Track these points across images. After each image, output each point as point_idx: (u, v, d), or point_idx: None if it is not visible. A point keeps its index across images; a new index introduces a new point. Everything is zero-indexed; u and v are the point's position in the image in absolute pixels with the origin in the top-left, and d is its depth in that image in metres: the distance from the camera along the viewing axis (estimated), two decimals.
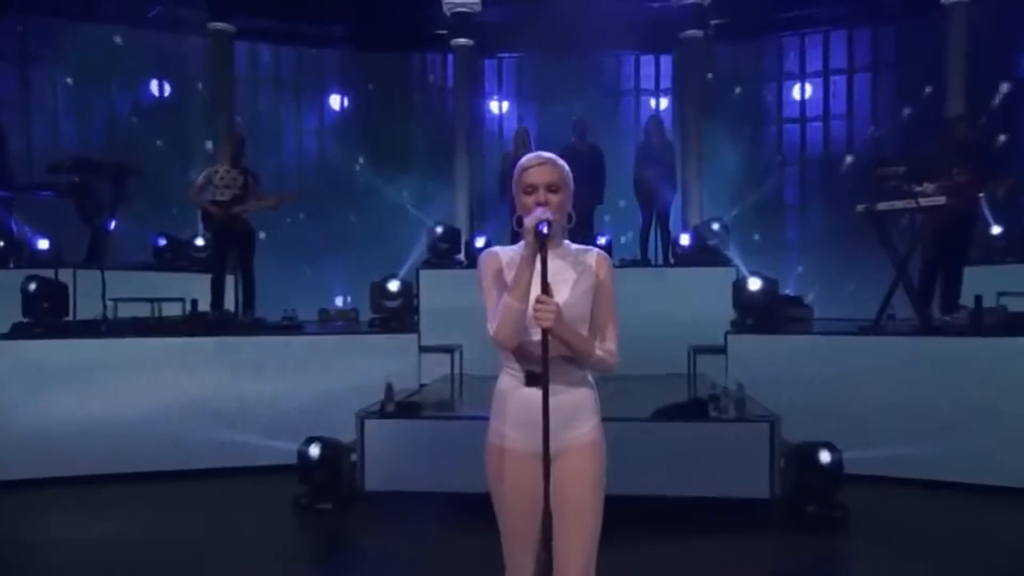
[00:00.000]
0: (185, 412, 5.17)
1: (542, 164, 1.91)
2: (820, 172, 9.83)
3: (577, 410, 1.93)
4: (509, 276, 1.88)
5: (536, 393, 1.81)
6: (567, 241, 2.01)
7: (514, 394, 1.93)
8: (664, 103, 10.45)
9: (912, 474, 4.70)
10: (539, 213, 1.79)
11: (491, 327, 1.85)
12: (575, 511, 1.88)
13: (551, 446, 1.78)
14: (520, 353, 1.90)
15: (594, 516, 1.90)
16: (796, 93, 10.11)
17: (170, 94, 9.71)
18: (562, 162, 1.95)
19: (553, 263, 1.86)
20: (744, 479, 4.04)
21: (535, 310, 1.75)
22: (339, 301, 9.80)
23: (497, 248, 2.00)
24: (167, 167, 8.46)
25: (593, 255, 1.97)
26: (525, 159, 1.95)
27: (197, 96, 9.60)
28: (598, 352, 1.89)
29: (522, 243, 1.84)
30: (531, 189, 1.89)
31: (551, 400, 1.76)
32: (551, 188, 1.89)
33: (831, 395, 4.95)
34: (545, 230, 1.74)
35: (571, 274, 1.92)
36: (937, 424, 4.69)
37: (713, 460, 4.07)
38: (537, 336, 1.80)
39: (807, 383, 5.05)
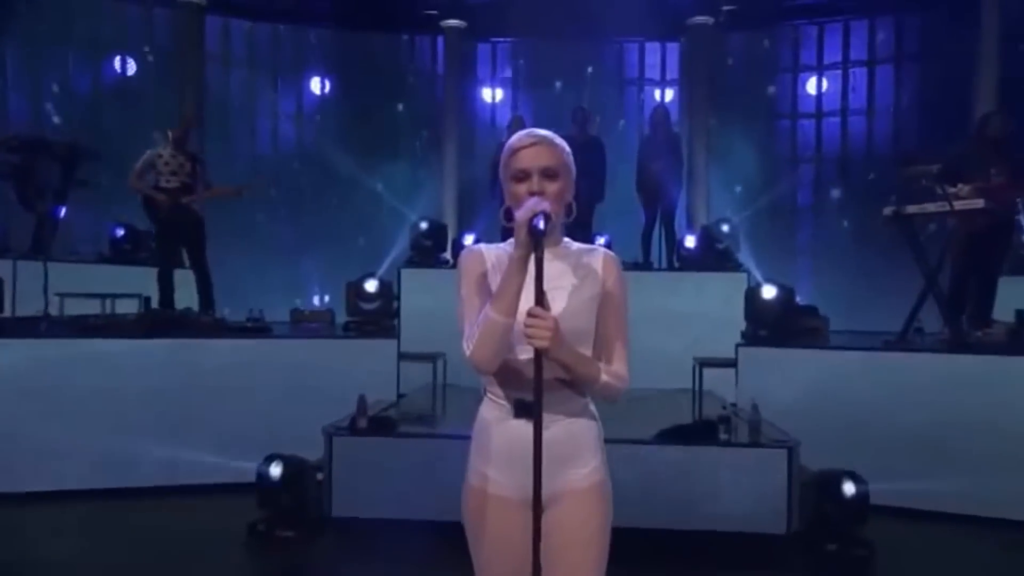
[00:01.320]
0: (131, 423, 4.90)
1: (536, 144, 1.63)
2: (837, 171, 9.68)
3: (577, 446, 1.66)
4: (495, 282, 1.61)
5: (526, 427, 1.54)
6: (567, 239, 1.73)
7: (499, 427, 1.65)
8: (670, 95, 10.27)
9: (945, 507, 4.48)
10: (533, 204, 1.51)
11: (467, 345, 1.57)
12: (572, 568, 1.61)
13: (545, 490, 1.52)
14: (506, 377, 1.62)
15: (596, 574, 1.64)
16: (812, 86, 9.96)
17: (135, 72, 9.41)
18: (561, 141, 1.67)
19: (550, 266, 1.58)
20: (758, 512, 3.84)
21: (526, 325, 1.47)
22: (316, 300, 9.61)
23: (482, 246, 1.71)
24: (128, 151, 8.07)
25: (599, 256, 1.69)
26: (515, 138, 1.67)
27: (164, 74, 9.31)
28: (603, 377, 1.61)
29: (511, 241, 1.56)
30: (523, 175, 1.62)
31: (545, 435, 1.49)
32: (547, 174, 1.61)
33: (853, 417, 4.75)
34: (541, 225, 1.46)
35: (571, 280, 1.65)
36: (972, 452, 4.48)
37: (723, 490, 3.87)
38: (527, 355, 1.52)
39: (826, 403, 4.85)
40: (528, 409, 1.57)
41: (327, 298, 9.41)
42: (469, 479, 1.71)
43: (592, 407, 1.71)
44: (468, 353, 1.57)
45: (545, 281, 1.48)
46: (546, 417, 1.51)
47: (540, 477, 1.48)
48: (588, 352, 1.64)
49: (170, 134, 6.09)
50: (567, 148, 1.67)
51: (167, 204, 5.90)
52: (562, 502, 1.64)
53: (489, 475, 1.66)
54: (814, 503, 3.88)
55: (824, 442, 4.35)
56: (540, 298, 1.47)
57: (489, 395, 1.69)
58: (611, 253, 1.71)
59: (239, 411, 5.00)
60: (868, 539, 3.86)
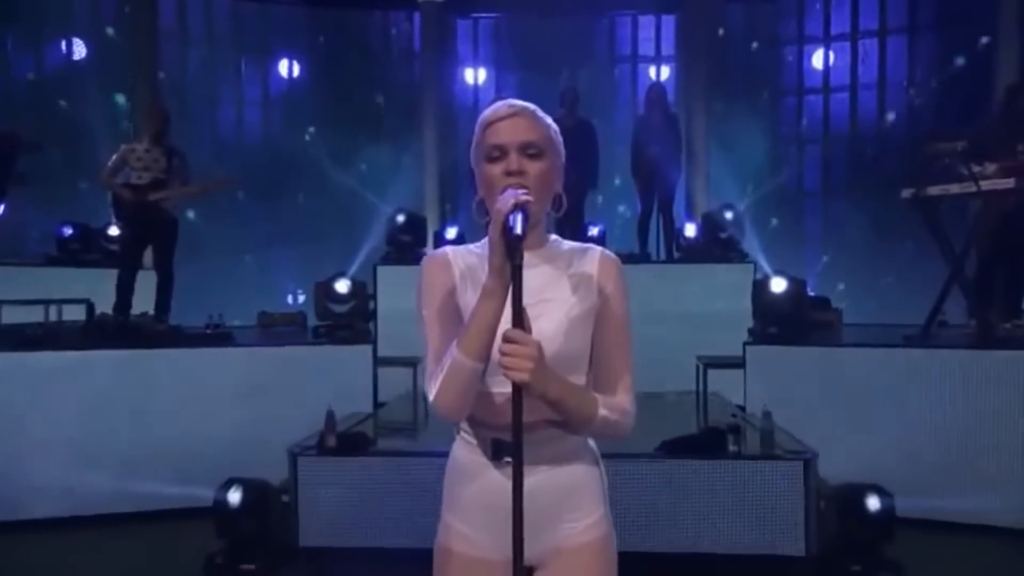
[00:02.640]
0: (74, 445, 4.71)
1: (515, 115, 1.39)
2: (846, 151, 9.55)
3: (571, 496, 1.43)
4: (466, 297, 1.38)
5: (506, 474, 1.32)
6: (555, 237, 1.49)
7: (473, 474, 1.42)
8: (666, 72, 10.10)
9: (979, 520, 4.33)
10: (510, 196, 1.26)
11: (430, 388, 1.34)
12: None
13: (532, 551, 1.31)
14: (479, 411, 1.38)
15: None
16: (819, 59, 9.78)
17: (83, 54, 9.09)
18: (544, 115, 1.43)
19: (533, 273, 1.35)
20: (773, 532, 3.65)
21: (502, 353, 1.23)
22: (290, 299, 9.41)
23: (448, 250, 1.46)
24: (76, 142, 7.91)
25: (594, 258, 1.45)
26: (489, 109, 1.43)
27: (114, 56, 9.02)
28: (602, 412, 1.37)
29: (486, 241, 1.33)
30: (498, 152, 1.38)
31: (530, 484, 1.27)
32: (529, 151, 1.38)
33: (873, 422, 4.61)
34: (518, 228, 1.21)
35: (560, 290, 1.41)
36: (1008, 456, 4.33)
37: (733, 508, 3.68)
38: (505, 387, 1.28)
39: (843, 406, 4.71)
40: (507, 452, 1.34)
41: (301, 298, 9.20)
42: (440, 536, 1.48)
43: (591, 445, 1.48)
44: (431, 398, 1.33)
45: (527, 294, 1.25)
46: (531, 462, 1.28)
47: (521, 537, 1.25)
48: (581, 380, 1.40)
49: (146, 127, 5.88)
50: (554, 125, 1.44)
51: (133, 201, 5.65)
52: (555, 564, 1.41)
53: (464, 532, 1.43)
54: (835, 521, 3.71)
55: (842, 450, 4.22)
56: (519, 318, 1.23)
57: (461, 432, 1.45)
58: (609, 253, 1.47)
59: (196, 429, 4.83)
60: (896, 559, 3.70)
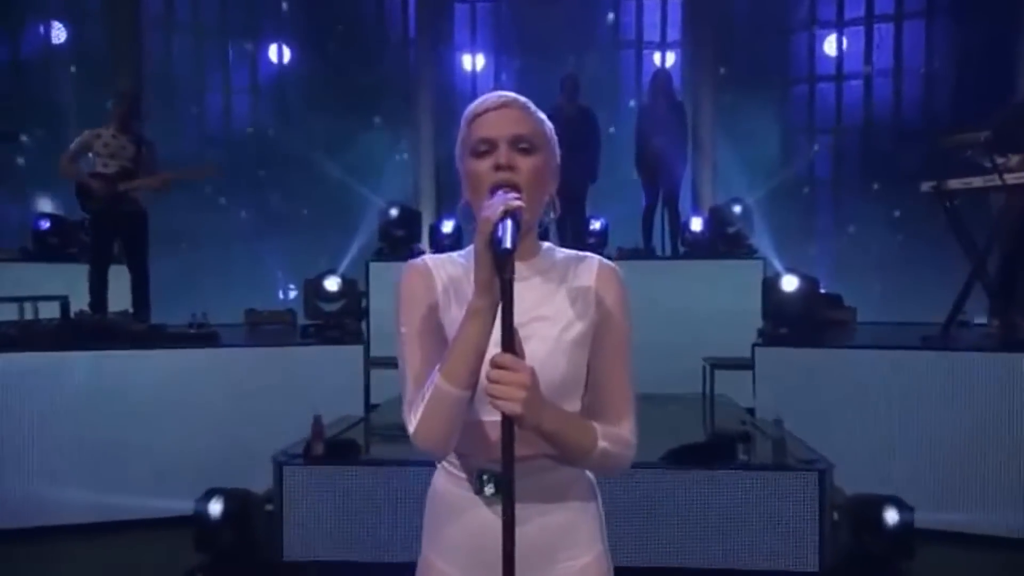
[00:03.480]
0: (47, 451, 4.61)
1: (504, 107, 1.29)
2: (859, 141, 9.43)
3: (569, 533, 1.32)
4: (449, 313, 1.28)
5: (493, 510, 1.24)
6: (548, 244, 1.38)
7: (456, 508, 1.31)
8: (671, 58, 9.95)
9: (1004, 532, 4.24)
10: (499, 201, 1.15)
11: (409, 417, 1.23)
12: None
13: None
14: (467, 440, 1.27)
15: None
16: (831, 45, 9.63)
17: (62, 40, 8.98)
18: (537, 109, 1.33)
19: (525, 288, 1.24)
20: (785, 547, 3.57)
21: (490, 380, 1.12)
22: (281, 295, 9.34)
23: (428, 259, 1.36)
24: (55, 132, 7.77)
25: (592, 268, 1.35)
26: (477, 101, 1.33)
27: (95, 44, 8.90)
28: (601, 444, 1.26)
29: (471, 250, 1.22)
30: (485, 147, 1.27)
31: (521, 519, 1.17)
32: (520, 145, 1.27)
33: (890, 427, 4.53)
34: (509, 241, 1.10)
35: (555, 306, 1.30)
36: None
37: (743, 521, 3.60)
38: (494, 415, 1.17)
39: (858, 412, 4.63)
40: (496, 485, 1.25)
41: (292, 293, 9.11)
42: (419, 571, 1.37)
43: (588, 476, 1.37)
44: (411, 429, 1.22)
45: (517, 311, 1.13)
46: (522, 497, 1.17)
47: None
48: (576, 405, 1.29)
49: (114, 112, 5.71)
50: (548, 122, 1.34)
51: (102, 192, 5.51)
52: None
53: (448, 573, 1.31)
54: (850, 534, 3.63)
55: (857, 458, 4.17)
56: (509, 340, 1.11)
57: (444, 461, 1.33)
58: (608, 263, 1.36)
59: (176, 434, 4.76)
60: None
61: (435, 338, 1.27)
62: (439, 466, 1.36)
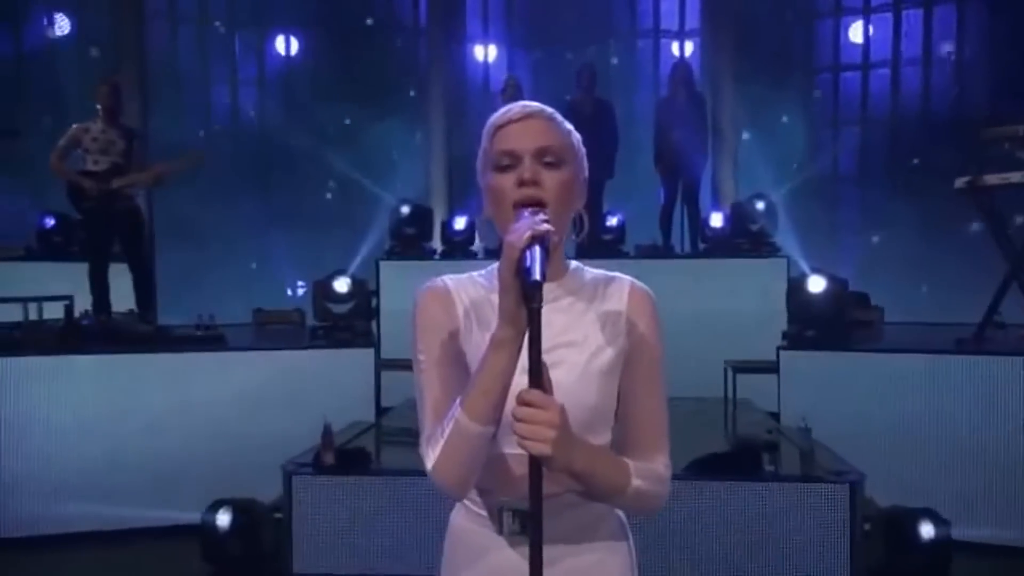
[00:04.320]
0: (50, 458, 4.61)
1: (528, 118, 1.23)
2: (886, 134, 9.26)
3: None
4: (471, 338, 1.22)
5: (518, 551, 1.19)
6: (575, 264, 1.31)
7: (477, 549, 1.25)
8: (690, 48, 9.84)
9: None
10: (525, 226, 1.08)
11: (428, 452, 1.18)
12: None
13: None
14: (489, 475, 1.21)
15: None
16: (857, 32, 9.46)
17: (66, 32, 8.96)
18: (561, 118, 1.27)
19: (550, 311, 1.18)
20: (814, 562, 3.50)
21: (515, 418, 1.06)
22: (290, 292, 9.34)
23: (448, 280, 1.29)
24: (57, 127, 7.71)
25: (623, 290, 1.28)
26: (499, 112, 1.27)
27: (99, 35, 8.86)
28: (635, 483, 1.20)
29: (495, 269, 1.17)
30: (508, 160, 1.21)
31: (548, 561, 1.10)
32: (546, 159, 1.21)
33: (923, 435, 4.45)
34: (538, 271, 1.03)
35: (583, 331, 1.24)
36: None
37: (770, 535, 3.53)
38: (516, 448, 1.11)
39: (889, 418, 4.56)
40: (521, 525, 1.19)
41: (301, 291, 9.10)
42: None
43: (620, 516, 1.31)
44: (429, 466, 1.17)
45: (543, 339, 1.06)
46: (548, 538, 1.10)
47: None
48: (606, 437, 1.24)
49: (98, 105, 5.61)
50: (574, 131, 1.27)
51: (94, 190, 5.46)
52: None
53: None
54: (883, 549, 3.58)
55: (889, 469, 4.12)
56: (537, 376, 1.05)
57: (465, 499, 1.28)
58: (641, 286, 1.30)
59: (182, 441, 4.75)
60: None
61: (456, 366, 1.22)
62: (458, 503, 1.30)
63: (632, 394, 1.25)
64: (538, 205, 1.17)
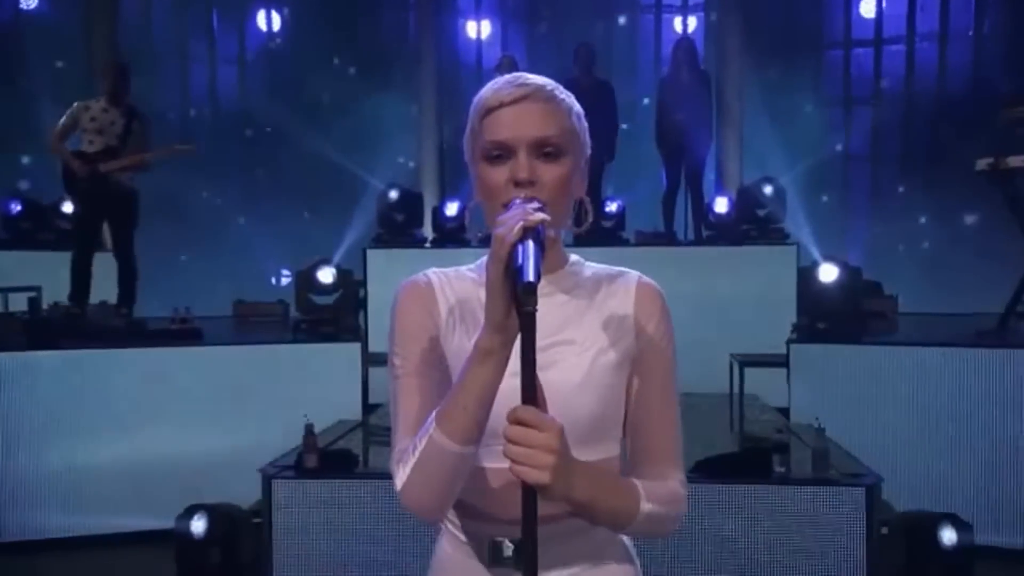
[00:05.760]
0: (18, 459, 4.55)
1: (525, 99, 1.11)
2: (901, 113, 9.19)
3: None
4: (455, 340, 1.13)
5: None
6: (575, 257, 1.22)
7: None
8: (694, 23, 9.70)
9: None
10: (516, 215, 0.97)
11: (398, 471, 1.08)
12: None
13: None
14: (474, 496, 1.12)
15: None
16: (869, 7, 9.40)
17: (32, 6, 8.87)
18: (564, 93, 1.15)
19: (545, 306, 1.04)
20: (828, 569, 3.42)
21: (508, 440, 0.95)
22: (273, 281, 9.30)
23: (433, 275, 1.19)
24: (25, 106, 7.65)
25: (630, 286, 1.19)
26: (489, 89, 1.14)
27: (68, 12, 8.75)
28: (646, 507, 1.09)
29: (482, 264, 1.07)
30: (500, 152, 1.10)
31: None
32: (544, 150, 1.10)
33: (943, 434, 4.39)
34: (531, 274, 0.91)
35: (583, 329, 1.14)
36: None
37: (781, 540, 3.45)
38: (505, 462, 1.00)
39: (907, 415, 4.49)
40: (515, 557, 1.09)
41: (285, 280, 9.05)
42: None
43: (627, 543, 1.22)
44: (398, 486, 1.07)
45: (538, 335, 0.96)
46: (546, 567, 1.01)
47: None
48: (613, 449, 1.15)
49: (104, 84, 5.59)
50: (576, 105, 1.15)
51: (82, 173, 5.38)
52: None
53: None
54: (901, 555, 3.49)
55: (906, 470, 4.10)
56: (531, 390, 0.93)
57: (447, 523, 1.17)
58: (649, 281, 1.20)
59: (157, 441, 4.69)
60: None
61: (435, 374, 1.12)
62: (443, 527, 1.20)
63: (642, 404, 1.16)
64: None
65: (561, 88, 1.14)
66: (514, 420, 0.94)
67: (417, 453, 1.04)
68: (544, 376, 1.01)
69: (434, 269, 1.20)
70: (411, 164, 8.93)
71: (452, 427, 1.00)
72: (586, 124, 1.17)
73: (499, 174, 1.09)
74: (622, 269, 1.21)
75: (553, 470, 0.94)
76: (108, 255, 5.75)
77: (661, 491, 1.12)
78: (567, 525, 1.10)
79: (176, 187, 8.26)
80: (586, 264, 1.21)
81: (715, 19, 9.43)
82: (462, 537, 1.16)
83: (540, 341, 0.97)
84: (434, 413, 1.03)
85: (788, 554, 3.44)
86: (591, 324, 1.14)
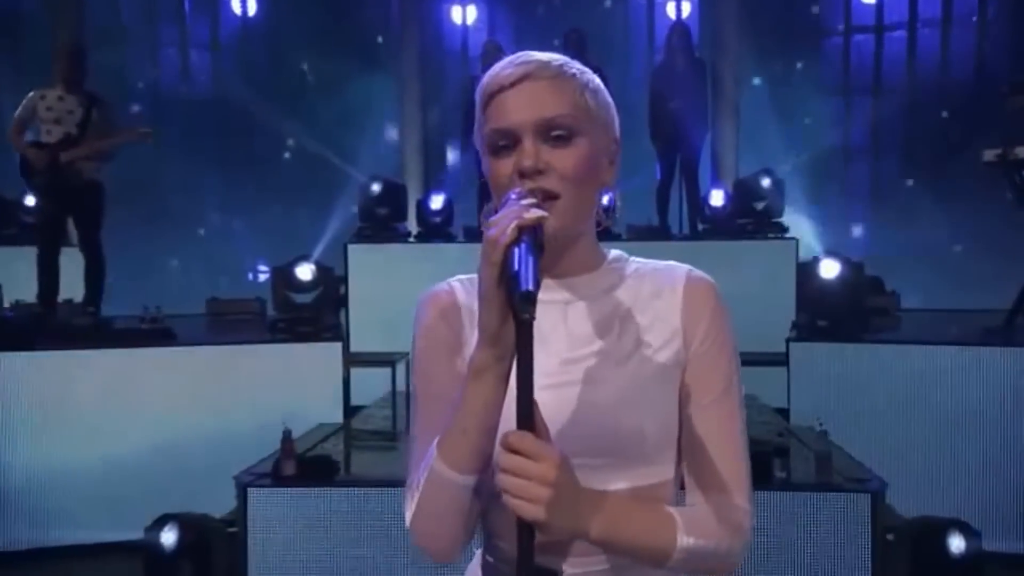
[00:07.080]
0: None
1: (525, 80, 1.03)
2: (902, 103, 9.20)
3: None
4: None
5: None
6: (616, 252, 1.14)
7: None
8: (687, 8, 9.74)
9: None
10: (511, 213, 0.90)
11: (407, 507, 1.02)
12: None
13: None
14: (501, 522, 1.06)
15: None
16: None
17: None
18: (575, 67, 1.07)
19: (576, 312, 1.05)
20: None
21: (501, 469, 0.89)
22: (250, 276, 9.30)
23: (455, 284, 1.12)
24: None
25: (677, 283, 1.10)
26: (490, 74, 1.07)
27: None
28: (685, 542, 1.00)
29: None
30: (504, 140, 1.03)
31: None
32: (554, 133, 1.02)
33: (950, 436, 4.41)
34: (530, 283, 0.85)
35: (622, 336, 1.06)
36: None
37: (782, 548, 3.44)
38: None
39: (912, 417, 4.52)
40: None
41: (263, 276, 8.99)
42: None
43: None
44: (407, 522, 1.02)
45: (569, 342, 0.96)
46: None
47: None
48: (667, 473, 1.06)
49: (56, 71, 5.49)
50: (593, 80, 1.08)
51: (40, 164, 5.31)
52: None
53: None
54: (907, 563, 3.47)
55: (912, 474, 4.11)
56: (527, 413, 0.87)
57: (486, 547, 1.13)
58: (702, 276, 1.11)
59: (125, 447, 4.66)
60: None
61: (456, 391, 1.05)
62: (476, 553, 1.15)
63: (695, 420, 1.06)
64: (549, 198, 0.99)
65: (572, 62, 1.06)
66: (507, 447, 0.88)
67: (421, 484, 0.99)
68: (577, 392, 0.96)
69: (458, 277, 1.12)
70: (394, 155, 8.89)
71: (451, 454, 0.95)
72: (610, 100, 1.09)
73: (505, 166, 1.02)
74: (670, 263, 1.12)
75: (548, 505, 0.87)
76: (76, 250, 5.70)
77: (708, 522, 1.02)
78: (607, 564, 1.03)
79: (146, 178, 8.22)
80: (630, 260, 1.12)
81: (710, 4, 9.42)
82: (492, 559, 1.10)
83: (571, 352, 0.94)
84: (435, 441, 0.98)
85: (789, 563, 3.42)
86: (632, 331, 1.05)
